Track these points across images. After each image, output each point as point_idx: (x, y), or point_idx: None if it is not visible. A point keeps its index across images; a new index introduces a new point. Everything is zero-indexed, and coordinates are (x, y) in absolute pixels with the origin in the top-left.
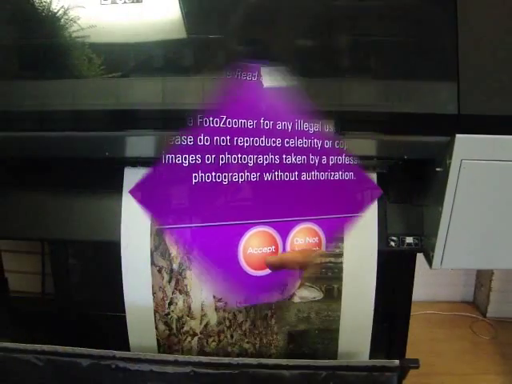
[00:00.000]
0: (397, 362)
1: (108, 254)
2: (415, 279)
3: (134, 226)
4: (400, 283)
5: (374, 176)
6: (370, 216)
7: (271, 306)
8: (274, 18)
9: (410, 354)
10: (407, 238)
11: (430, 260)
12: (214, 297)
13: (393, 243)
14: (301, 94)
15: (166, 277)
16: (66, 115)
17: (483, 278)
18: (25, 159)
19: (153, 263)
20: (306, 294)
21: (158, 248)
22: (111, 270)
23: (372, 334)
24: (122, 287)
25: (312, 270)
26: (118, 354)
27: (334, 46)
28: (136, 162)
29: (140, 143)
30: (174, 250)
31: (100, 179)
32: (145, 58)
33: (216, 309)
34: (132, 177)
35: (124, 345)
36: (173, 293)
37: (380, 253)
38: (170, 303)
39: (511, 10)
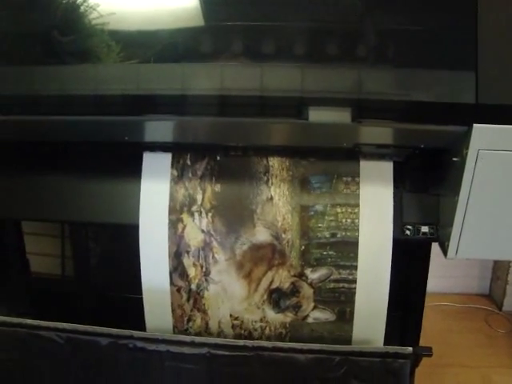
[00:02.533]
0: (410, 348)
1: (127, 238)
2: (430, 271)
3: (153, 244)
4: (415, 273)
5: (390, 165)
6: (386, 225)
7: (286, 325)
8: (289, 3)
9: (423, 344)
10: (423, 227)
11: (445, 250)
12: (231, 315)
13: (408, 232)
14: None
15: (185, 296)
16: (87, 100)
17: (500, 271)
18: (46, 143)
19: (172, 283)
20: (318, 315)
21: (177, 269)
22: (130, 254)
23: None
24: (140, 269)
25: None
26: (136, 333)
27: (353, 34)
28: (155, 147)
29: (159, 128)
30: (192, 272)
31: (120, 164)
32: (163, 45)
33: (232, 326)
34: (151, 161)
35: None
36: (191, 310)
37: (395, 242)
38: (189, 320)
39: None
